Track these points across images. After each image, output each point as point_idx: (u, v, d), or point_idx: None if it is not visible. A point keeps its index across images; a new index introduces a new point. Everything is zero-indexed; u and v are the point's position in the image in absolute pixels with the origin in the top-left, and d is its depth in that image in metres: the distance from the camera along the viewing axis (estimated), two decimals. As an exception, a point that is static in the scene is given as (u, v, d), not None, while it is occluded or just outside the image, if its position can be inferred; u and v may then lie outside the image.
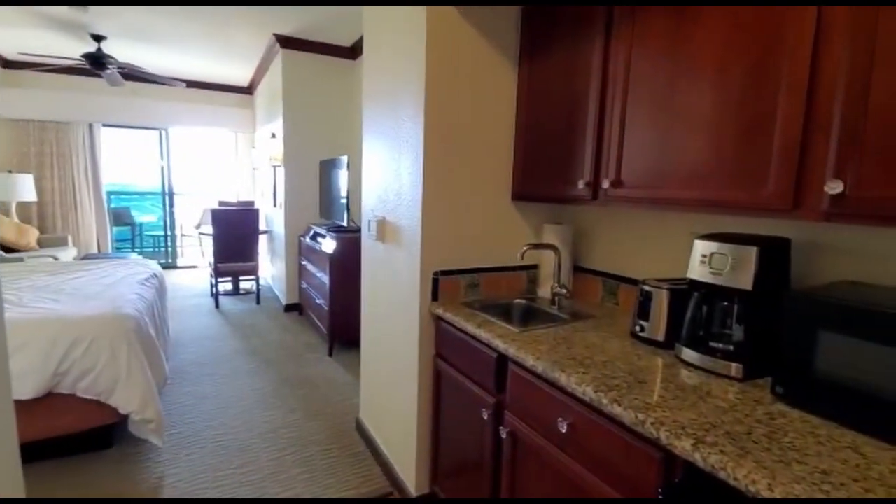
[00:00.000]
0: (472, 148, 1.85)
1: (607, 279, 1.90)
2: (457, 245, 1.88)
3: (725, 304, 1.22)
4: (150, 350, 2.44)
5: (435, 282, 1.84)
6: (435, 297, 1.84)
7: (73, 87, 5.87)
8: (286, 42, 4.54)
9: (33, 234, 5.29)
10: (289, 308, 4.88)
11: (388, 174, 2.06)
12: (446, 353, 1.80)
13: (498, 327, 1.54)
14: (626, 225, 1.82)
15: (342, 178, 3.89)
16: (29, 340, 2.06)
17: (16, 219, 5.39)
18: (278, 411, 2.78)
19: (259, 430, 2.57)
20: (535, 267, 2.05)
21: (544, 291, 1.97)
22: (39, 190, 5.74)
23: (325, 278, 3.69)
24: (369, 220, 2.25)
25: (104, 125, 6.23)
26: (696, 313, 1.26)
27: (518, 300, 1.93)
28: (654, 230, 1.72)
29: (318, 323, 3.99)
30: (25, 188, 5.38)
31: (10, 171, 5.44)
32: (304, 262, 4.47)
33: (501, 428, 1.43)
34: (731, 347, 1.20)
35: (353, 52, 4.76)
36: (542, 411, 1.28)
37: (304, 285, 4.46)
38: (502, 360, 1.46)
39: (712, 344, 1.23)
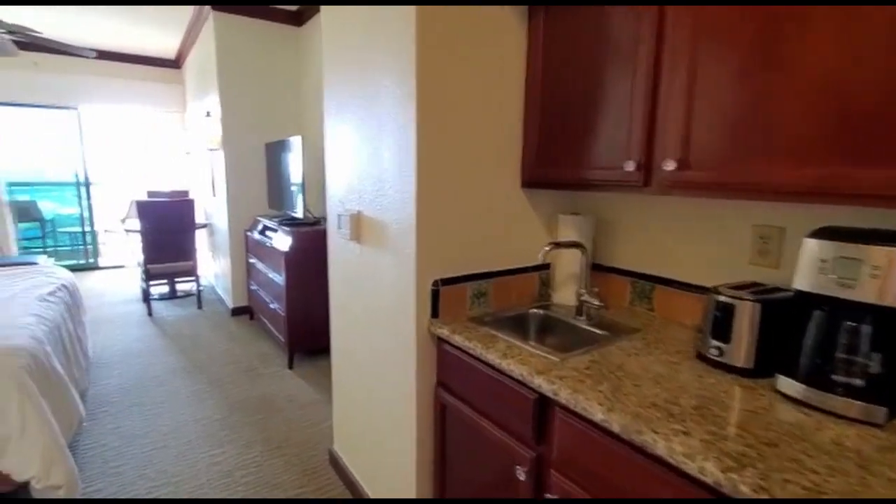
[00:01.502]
0: (473, 124, 1.44)
1: (637, 280, 1.58)
2: (459, 245, 1.48)
3: (851, 324, 0.92)
4: (54, 389, 1.89)
5: (435, 293, 1.44)
6: (435, 312, 1.45)
7: (-50, 55, 4.84)
8: (218, 4, 3.88)
9: None
10: (237, 312, 4.30)
11: (363, 158, 1.63)
12: (454, 383, 1.42)
13: (528, 354, 1.18)
14: (662, 214, 1.50)
15: (294, 164, 3.36)
16: None
17: None
18: (231, 447, 2.30)
19: (208, 475, 2.09)
20: (546, 267, 1.70)
21: (562, 297, 1.63)
22: (-87, 182, 4.73)
23: (280, 279, 3.19)
24: (339, 215, 1.80)
25: (-4, 103, 5.23)
26: (818, 337, 0.95)
27: (533, 310, 1.57)
28: (701, 221, 1.40)
29: (273, 329, 3.48)
30: None
31: None
32: (252, 260, 3.91)
33: (548, 495, 1.08)
34: (861, 382, 0.90)
35: (298, 17, 4.16)
36: (620, 481, 0.93)
37: (254, 286, 3.90)
38: (544, 401, 1.10)
39: (834, 377, 0.93)
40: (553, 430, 1.07)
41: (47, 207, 7.14)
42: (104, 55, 5.47)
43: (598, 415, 0.93)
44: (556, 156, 1.45)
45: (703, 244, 1.40)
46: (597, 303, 1.43)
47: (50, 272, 2.88)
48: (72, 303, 2.76)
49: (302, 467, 2.15)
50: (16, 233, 5.70)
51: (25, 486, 1.67)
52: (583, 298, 1.47)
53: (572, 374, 1.07)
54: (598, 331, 1.38)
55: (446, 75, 1.36)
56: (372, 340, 1.71)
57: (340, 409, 2.05)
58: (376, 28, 1.47)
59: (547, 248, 1.41)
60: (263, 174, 4.20)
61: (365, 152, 1.61)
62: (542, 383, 1.06)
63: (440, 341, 1.46)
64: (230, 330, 3.95)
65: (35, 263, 3.95)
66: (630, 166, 1.20)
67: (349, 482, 1.98)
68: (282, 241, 3.19)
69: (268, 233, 3.60)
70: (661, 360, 1.16)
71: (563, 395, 1.00)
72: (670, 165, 1.12)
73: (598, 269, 1.68)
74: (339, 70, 1.74)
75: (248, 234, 3.98)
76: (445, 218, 1.43)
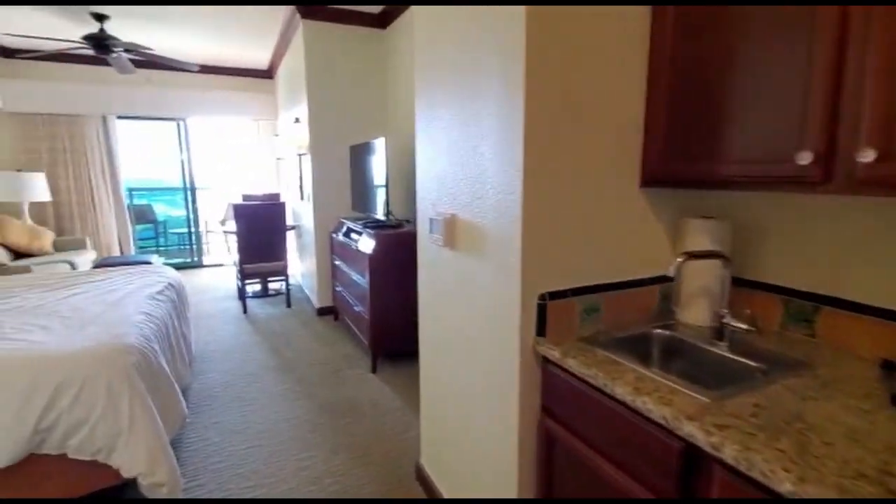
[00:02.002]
0: (586, 119, 1.25)
1: (793, 298, 1.29)
2: (568, 254, 1.30)
3: None
4: (161, 387, 1.97)
5: (541, 308, 1.27)
6: (542, 329, 1.28)
7: (82, 77, 5.47)
8: (307, 12, 3.98)
9: (48, 238, 4.94)
10: (322, 312, 4.41)
11: (459, 157, 1.49)
12: (563, 412, 1.24)
13: (668, 390, 0.97)
14: (830, 218, 1.21)
15: (378, 166, 3.34)
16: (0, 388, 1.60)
17: (29, 221, 5.05)
18: (318, 451, 2.29)
19: (297, 479, 2.09)
20: (668, 279, 1.46)
21: (691, 316, 1.38)
22: (54, 189, 5.39)
23: (364, 282, 3.18)
24: (431, 219, 1.69)
25: (118, 117, 5.83)
26: None
27: (657, 330, 1.35)
28: (889, 227, 1.10)
29: (357, 331, 3.49)
30: (37, 188, 5.03)
31: (18, 171, 5.09)
32: (337, 262, 3.97)
33: (701, 571, 0.87)
34: None
35: (382, 19, 4.16)
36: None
37: (339, 287, 3.96)
38: (695, 454, 0.88)
39: None
40: (709, 491, 0.86)
41: (159, 210, 7.91)
42: (206, 69, 5.91)
43: (784, 484, 0.71)
44: (687, 150, 1.21)
45: (890, 257, 1.10)
46: (744, 326, 1.18)
47: (160, 271, 3.09)
48: (177, 300, 2.93)
49: (387, 479, 2.08)
50: (134, 233, 6.33)
51: (132, 481, 1.74)
52: (724, 320, 1.22)
53: (735, 422, 0.85)
54: (749, 362, 1.13)
55: (556, 70, 1.18)
56: (466, 355, 1.57)
57: (428, 423, 1.95)
58: (478, 27, 1.32)
59: (680, 260, 1.18)
60: (348, 177, 4.26)
61: (461, 151, 1.48)
62: (694, 432, 0.85)
63: (545, 361, 1.28)
64: (316, 330, 4.04)
65: (149, 263, 4.32)
66: (805, 158, 0.94)
67: (434, 495, 1.87)
68: (365, 243, 3.18)
69: (352, 235, 3.63)
70: (849, 408, 0.90)
71: (729, 453, 0.79)
72: (868, 156, 0.86)
73: (735, 284, 1.41)
74: (433, 68, 1.62)
75: (333, 235, 4.05)
76: (554, 223, 1.26)
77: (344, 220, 3.94)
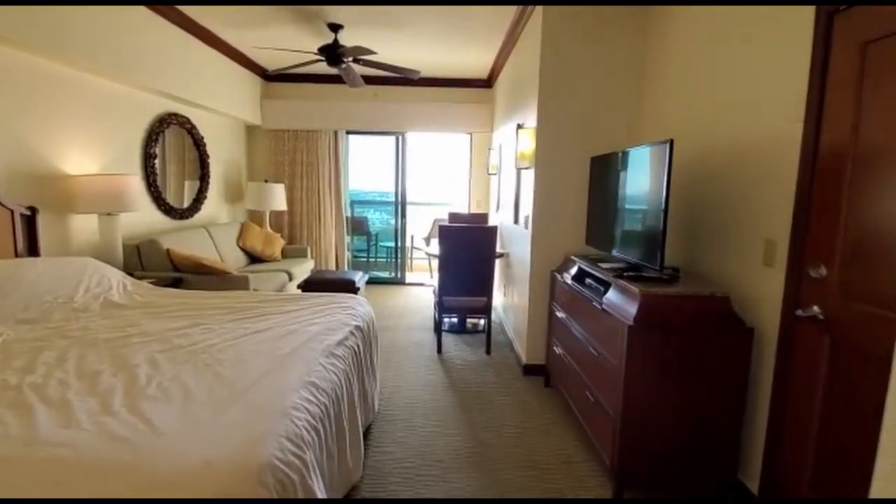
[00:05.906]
0: None
1: None
2: None
3: None
4: (304, 532, 1.20)
5: None
6: None
7: (319, 94, 5.75)
8: (551, -12, 3.09)
9: (279, 245, 5.19)
10: (529, 370, 3.41)
11: None
12: None
13: None
14: None
15: (641, 185, 2.19)
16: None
17: (269, 228, 5.43)
18: None
19: None
20: None
21: None
22: (289, 199, 5.76)
23: (611, 361, 2.04)
24: None
25: (348, 132, 6.00)
26: None
27: None
28: None
29: (589, 431, 2.36)
30: (278, 198, 5.37)
31: (266, 181, 5.53)
32: (559, 313, 2.92)
33: None
34: None
35: (654, -18, 3.00)
36: None
37: (558, 349, 2.90)
38: None
39: None
40: None
41: (373, 217, 8.18)
42: (426, 81, 5.64)
43: None
44: None
45: None
46: None
47: (350, 309, 2.51)
48: (363, 349, 2.30)
49: None
50: (350, 245, 6.47)
51: None
52: None
53: None
54: None
55: None
56: None
57: None
58: None
59: None
60: (582, 199, 3.19)
61: None
62: None
63: None
64: (523, 399, 3.05)
65: (352, 282, 4.00)
66: None
67: None
68: (619, 301, 2.05)
69: (588, 281, 2.54)
70: None
71: None
72: None
73: None
74: None
75: (557, 276, 3.02)
76: None
77: (575, 258, 2.87)
